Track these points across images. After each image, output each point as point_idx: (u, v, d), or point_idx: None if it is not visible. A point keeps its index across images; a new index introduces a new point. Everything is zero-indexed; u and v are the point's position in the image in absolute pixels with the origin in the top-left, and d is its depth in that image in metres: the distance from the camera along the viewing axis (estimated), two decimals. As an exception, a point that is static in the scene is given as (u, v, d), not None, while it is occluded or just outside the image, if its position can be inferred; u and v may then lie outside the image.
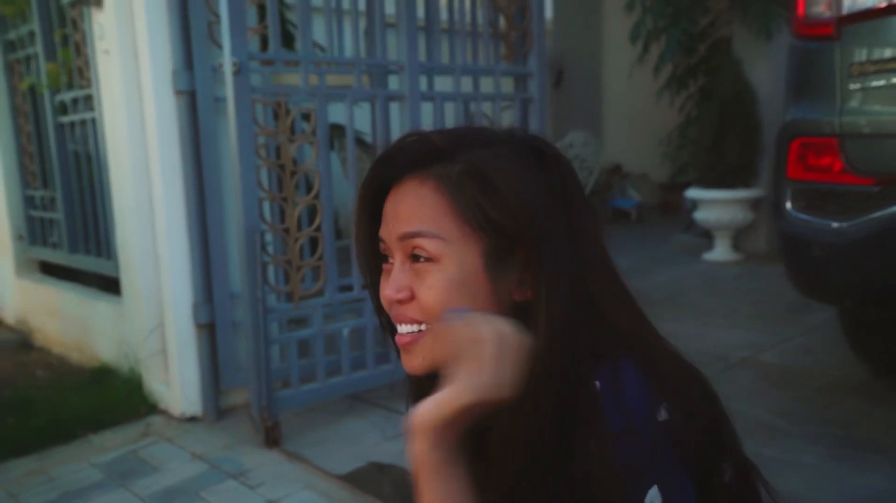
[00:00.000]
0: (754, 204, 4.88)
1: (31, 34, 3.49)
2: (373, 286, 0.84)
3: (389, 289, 0.76)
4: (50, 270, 3.88)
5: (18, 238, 3.93)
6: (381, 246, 0.79)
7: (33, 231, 3.87)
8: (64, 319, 3.56)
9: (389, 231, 0.77)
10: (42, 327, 3.77)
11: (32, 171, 3.78)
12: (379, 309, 0.83)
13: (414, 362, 0.77)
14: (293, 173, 2.42)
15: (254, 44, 2.57)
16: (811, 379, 2.72)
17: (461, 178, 0.74)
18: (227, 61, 2.23)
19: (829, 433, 2.26)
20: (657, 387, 0.71)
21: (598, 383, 0.70)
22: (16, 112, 3.83)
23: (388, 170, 0.78)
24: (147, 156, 2.68)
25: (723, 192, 4.87)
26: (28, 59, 3.61)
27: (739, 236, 5.09)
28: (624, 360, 0.72)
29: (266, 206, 2.48)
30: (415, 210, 0.74)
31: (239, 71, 2.23)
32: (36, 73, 3.53)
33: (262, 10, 2.63)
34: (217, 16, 2.38)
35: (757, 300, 3.89)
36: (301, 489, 2.14)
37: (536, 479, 0.73)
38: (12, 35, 3.69)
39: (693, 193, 5.04)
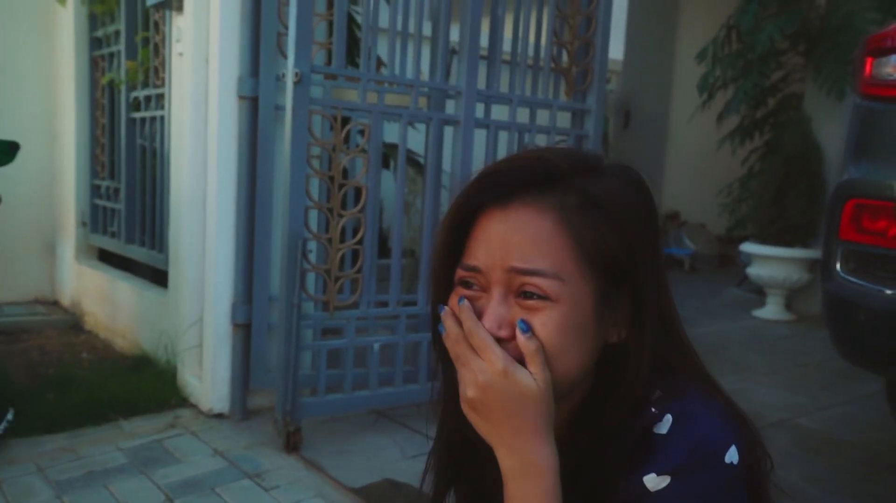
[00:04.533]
0: (811, 265, 4.73)
1: (117, 33, 3.68)
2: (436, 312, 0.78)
3: (491, 324, 0.70)
4: (106, 258, 4.03)
5: (82, 224, 4.10)
6: (462, 272, 0.73)
7: (95, 219, 4.03)
8: (113, 306, 3.68)
9: (493, 261, 0.70)
10: (93, 311, 3.91)
11: (102, 161, 3.95)
12: (437, 334, 0.77)
13: None
14: (342, 185, 2.47)
15: (320, 58, 2.65)
16: (850, 449, 2.60)
17: (583, 210, 0.70)
18: (289, 71, 2.31)
19: (862, 508, 2.16)
20: (731, 429, 0.70)
21: (670, 417, 0.70)
22: (94, 105, 4.01)
23: (495, 188, 0.72)
24: (206, 156, 2.77)
25: (779, 248, 4.75)
26: (111, 56, 3.79)
27: (793, 296, 4.94)
28: (699, 398, 0.72)
29: (312, 215, 2.53)
30: (533, 244, 0.69)
31: (300, 81, 2.30)
32: (116, 70, 3.70)
33: (331, 25, 2.71)
34: (286, 28, 2.47)
35: (803, 363, 3.76)
36: (313, 496, 2.15)
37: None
38: (100, 33, 3.88)
39: (749, 247, 4.92)
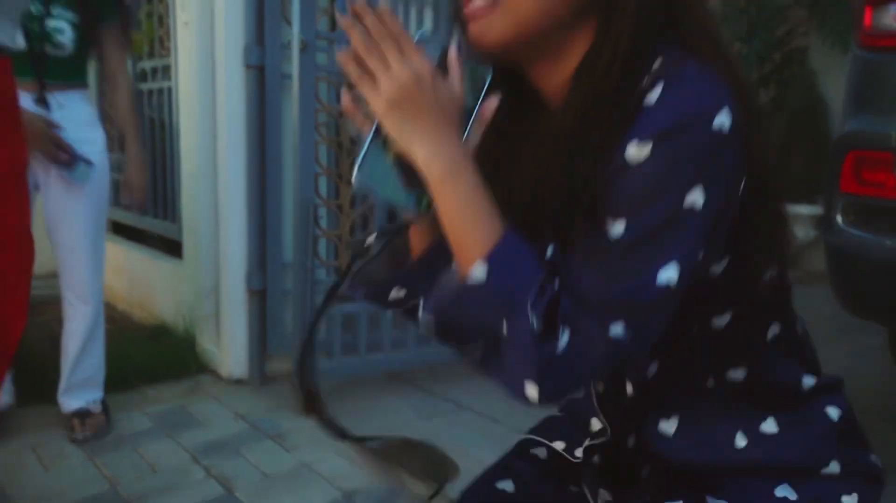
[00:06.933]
0: (816, 221, 4.75)
1: (119, 5, 3.68)
2: None
3: None
4: (119, 230, 4.09)
5: (93, 197, 4.15)
6: None
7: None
8: (129, 278, 3.76)
9: None
10: (110, 284, 3.98)
11: (112, 134, 3.98)
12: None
13: (488, 35, 0.71)
14: (350, 151, 2.51)
15: (324, 24, 2.67)
16: (852, 400, 2.66)
17: None
18: (294, 38, 2.33)
19: (864, 453, 2.22)
20: (724, 93, 0.66)
21: (661, 83, 0.65)
22: (101, 77, 4.03)
23: None
24: (215, 126, 2.81)
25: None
26: (115, 28, 3.80)
27: (799, 252, 4.97)
28: (696, 64, 0.67)
29: (322, 181, 2.58)
30: None
31: (305, 48, 2.33)
32: (121, 42, 3.72)
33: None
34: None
35: (809, 318, 3.77)
36: (333, 455, 2.23)
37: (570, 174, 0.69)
38: (102, 5, 3.89)
39: (754, 204, 4.94)
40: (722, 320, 0.75)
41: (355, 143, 2.60)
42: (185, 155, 3.09)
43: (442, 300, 0.68)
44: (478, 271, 0.65)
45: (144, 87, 3.57)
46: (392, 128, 0.67)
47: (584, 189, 0.67)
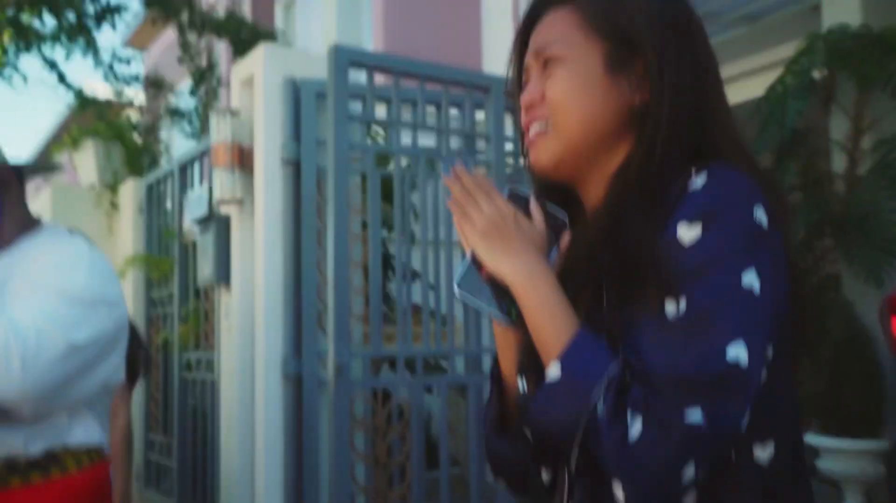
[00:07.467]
0: (884, 456, 4.47)
1: (170, 297, 3.93)
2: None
3: (524, 95, 0.86)
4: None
5: (135, 478, 4.15)
6: (524, 76, 0.88)
7: (149, 474, 4.09)
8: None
9: (529, 53, 0.87)
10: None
11: (157, 417, 4.07)
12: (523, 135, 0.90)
13: (542, 157, 0.84)
14: (386, 466, 2.49)
15: (358, 331, 2.76)
16: None
17: None
18: (330, 362, 2.41)
19: None
20: (761, 194, 0.73)
21: (705, 173, 0.73)
22: (149, 361, 4.20)
23: (538, 6, 0.89)
24: (254, 427, 2.85)
25: (848, 441, 4.52)
26: (165, 316, 4.02)
27: (872, 492, 4.63)
28: (733, 166, 0.75)
29: (360, 499, 2.54)
30: (549, 28, 0.85)
31: (340, 372, 2.40)
32: (170, 330, 3.91)
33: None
34: (325, 304, 2.61)
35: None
36: None
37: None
38: (155, 294, 4.16)
39: (814, 440, 4.70)
40: (765, 452, 0.74)
41: (390, 456, 2.58)
42: (225, 448, 3.11)
43: (532, 407, 0.75)
44: (553, 370, 0.73)
45: (189, 376, 3.69)
46: (484, 253, 0.81)
47: (631, 260, 0.73)
